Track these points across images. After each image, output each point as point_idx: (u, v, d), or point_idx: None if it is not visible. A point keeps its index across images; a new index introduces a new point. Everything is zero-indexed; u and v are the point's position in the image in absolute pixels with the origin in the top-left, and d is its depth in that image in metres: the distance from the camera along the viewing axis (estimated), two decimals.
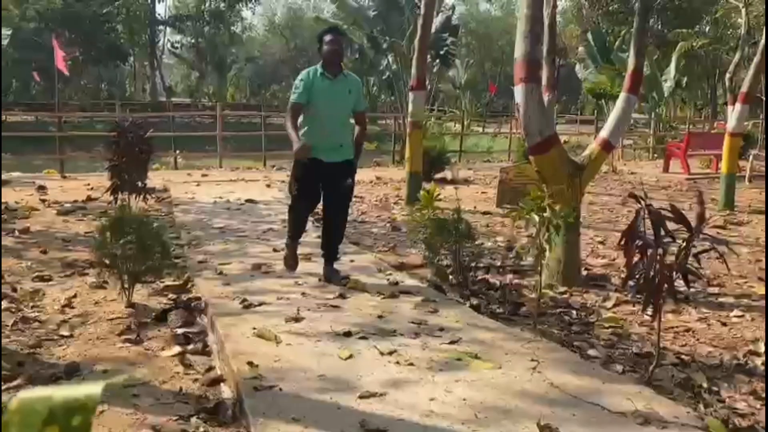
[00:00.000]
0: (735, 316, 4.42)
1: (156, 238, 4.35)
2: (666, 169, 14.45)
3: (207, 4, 46.04)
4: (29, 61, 30.23)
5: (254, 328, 3.61)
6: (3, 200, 7.92)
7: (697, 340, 3.98)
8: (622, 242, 3.20)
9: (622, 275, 4.21)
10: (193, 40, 47.82)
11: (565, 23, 38.26)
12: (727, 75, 10.48)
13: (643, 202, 3.15)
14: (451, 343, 3.51)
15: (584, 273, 5.35)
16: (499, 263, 5.65)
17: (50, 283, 4.90)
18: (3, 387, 2.99)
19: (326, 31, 4.88)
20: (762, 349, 3.77)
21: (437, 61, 19.03)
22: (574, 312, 4.45)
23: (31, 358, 3.45)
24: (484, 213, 8.35)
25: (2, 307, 4.12)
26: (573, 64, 28.08)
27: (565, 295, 4.82)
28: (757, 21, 14.54)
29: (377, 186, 11.08)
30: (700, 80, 30.96)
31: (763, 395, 3.15)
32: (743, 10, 10.61)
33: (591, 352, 3.68)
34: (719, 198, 9.43)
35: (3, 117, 24.86)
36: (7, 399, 0.70)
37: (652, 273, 3.06)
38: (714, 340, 3.98)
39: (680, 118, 27.46)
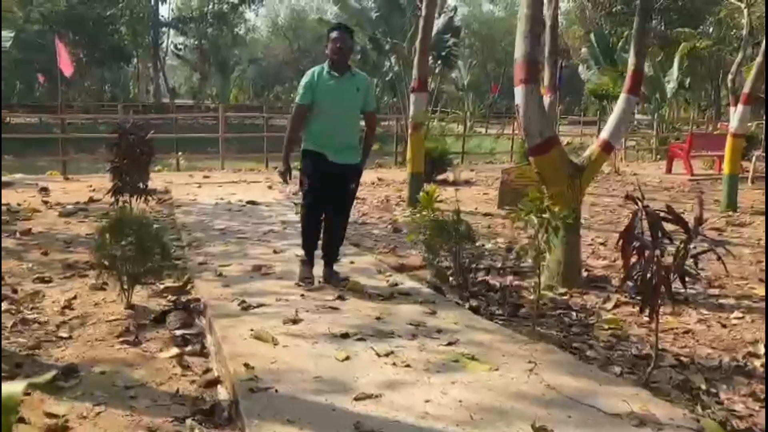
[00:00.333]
0: (735, 318, 4.41)
1: (155, 240, 4.36)
2: (669, 171, 14.42)
3: (210, 6, 46.15)
4: (33, 63, 30.36)
5: (252, 330, 3.62)
6: (5, 202, 7.95)
7: (697, 341, 3.96)
8: (620, 244, 3.19)
9: (623, 277, 4.20)
10: (196, 42, 47.97)
11: (568, 24, 38.26)
12: (730, 76, 10.47)
13: (640, 204, 3.15)
14: (449, 344, 3.50)
15: (585, 274, 5.34)
16: (499, 265, 5.64)
17: (50, 284, 4.91)
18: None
19: (332, 28, 4.75)
20: (761, 350, 3.76)
21: (439, 62, 19.02)
22: (574, 313, 4.44)
23: (30, 359, 3.46)
24: (486, 214, 8.35)
25: (2, 308, 4.13)
26: (576, 65, 28.07)
27: (565, 297, 4.81)
28: (760, 21, 14.49)
29: (379, 187, 11.08)
30: (703, 81, 30.88)
31: (762, 397, 3.14)
32: (745, 11, 10.58)
33: (590, 353, 3.67)
34: (722, 199, 9.39)
35: (7, 119, 24.96)
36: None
37: (649, 274, 3.05)
38: (713, 341, 3.97)
39: (684, 119, 27.39)
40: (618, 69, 18.95)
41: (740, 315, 4.45)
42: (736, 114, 9.30)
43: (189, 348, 3.65)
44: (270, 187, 10.49)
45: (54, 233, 6.77)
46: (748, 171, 12.71)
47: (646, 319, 4.00)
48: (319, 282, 4.75)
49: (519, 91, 4.89)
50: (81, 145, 15.17)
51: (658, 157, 18.71)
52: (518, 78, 4.87)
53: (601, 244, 6.65)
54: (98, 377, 3.23)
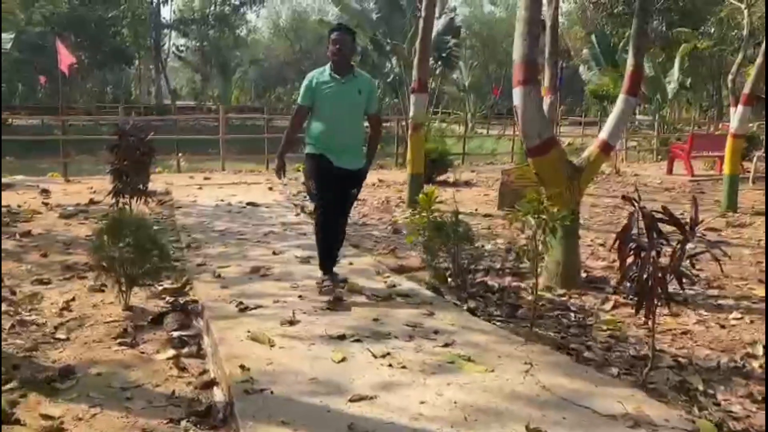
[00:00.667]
0: (734, 319, 4.40)
1: (153, 242, 4.36)
2: (670, 171, 14.40)
3: (212, 8, 46.22)
4: (34, 65, 30.42)
5: (249, 332, 3.62)
6: (5, 203, 7.96)
7: (695, 342, 3.96)
8: (616, 245, 3.19)
9: (619, 277, 4.19)
10: (197, 44, 48.04)
11: (569, 25, 38.24)
12: (729, 76, 10.45)
13: (636, 205, 3.14)
14: (445, 345, 3.50)
15: (584, 275, 5.33)
16: (498, 266, 5.64)
17: (49, 286, 4.92)
18: None
19: (332, 29, 4.66)
20: (760, 351, 3.75)
21: (440, 63, 19.03)
22: (572, 314, 4.44)
23: (27, 361, 3.46)
24: (486, 215, 8.34)
25: (1, 310, 4.14)
26: (577, 65, 28.06)
27: (563, 298, 4.81)
28: (760, 22, 14.47)
29: (380, 188, 11.08)
30: (705, 81, 30.86)
31: (759, 398, 3.13)
32: (745, 11, 10.57)
33: (587, 354, 3.66)
34: (722, 200, 9.38)
35: (8, 120, 25.00)
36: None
37: (645, 275, 3.04)
38: (712, 342, 3.97)
39: (685, 120, 27.35)
40: (619, 70, 18.92)
41: (739, 316, 4.44)
42: (736, 115, 9.29)
43: (186, 350, 3.65)
44: (270, 189, 10.49)
45: (54, 235, 6.78)
46: (749, 171, 12.69)
47: (644, 319, 4.00)
48: (317, 283, 4.74)
49: (517, 93, 4.88)
50: (82, 146, 15.18)
51: (660, 157, 18.68)
52: (517, 79, 4.87)
53: (601, 245, 6.64)
54: (95, 379, 3.24)
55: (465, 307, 4.42)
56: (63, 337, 3.83)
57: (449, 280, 4.96)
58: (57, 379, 3.19)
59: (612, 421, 2.64)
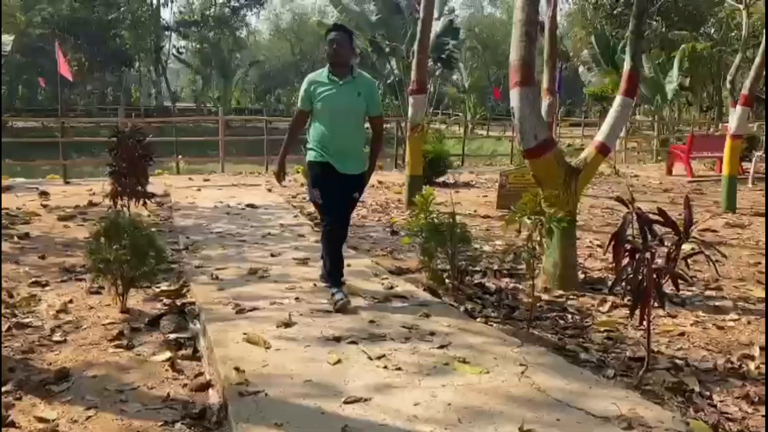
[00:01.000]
0: (731, 320, 4.39)
1: (151, 243, 4.37)
2: (669, 172, 14.40)
3: (212, 10, 46.26)
4: (35, 67, 30.47)
5: (245, 334, 3.62)
6: (5, 206, 7.96)
7: (692, 344, 3.95)
8: (611, 246, 3.19)
9: (614, 279, 4.19)
10: (198, 45, 48.06)
11: (569, 26, 38.25)
12: (728, 77, 10.45)
13: (631, 206, 3.14)
14: (441, 347, 3.50)
15: (581, 276, 5.33)
16: (496, 267, 5.64)
17: (46, 288, 4.92)
18: None
19: (329, 30, 4.56)
20: (757, 352, 3.74)
21: (439, 64, 19.04)
22: (569, 316, 4.43)
23: (23, 363, 3.46)
24: (484, 217, 8.34)
25: (0, 312, 4.14)
26: (576, 66, 28.06)
27: (560, 299, 4.80)
28: (760, 22, 14.47)
29: (379, 190, 11.08)
30: (704, 82, 30.84)
31: (756, 399, 3.13)
32: (744, 12, 10.57)
33: (584, 356, 3.66)
34: (721, 201, 9.38)
35: (8, 122, 25.03)
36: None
37: (640, 277, 3.04)
38: (709, 343, 3.96)
39: (685, 121, 27.35)
40: (619, 71, 18.91)
41: (736, 317, 4.44)
42: (734, 115, 9.29)
43: (182, 352, 3.65)
44: (270, 191, 10.49)
45: (52, 237, 6.79)
46: (748, 172, 12.69)
47: (639, 321, 3.99)
48: (314, 285, 4.75)
49: (514, 94, 4.88)
50: (82, 148, 15.21)
51: (659, 158, 18.68)
52: (513, 81, 4.87)
53: (599, 246, 6.64)
54: (90, 381, 3.24)
55: (462, 309, 4.42)
56: (59, 339, 3.83)
57: (447, 281, 4.96)
58: (52, 382, 3.19)
59: (606, 422, 2.64)
